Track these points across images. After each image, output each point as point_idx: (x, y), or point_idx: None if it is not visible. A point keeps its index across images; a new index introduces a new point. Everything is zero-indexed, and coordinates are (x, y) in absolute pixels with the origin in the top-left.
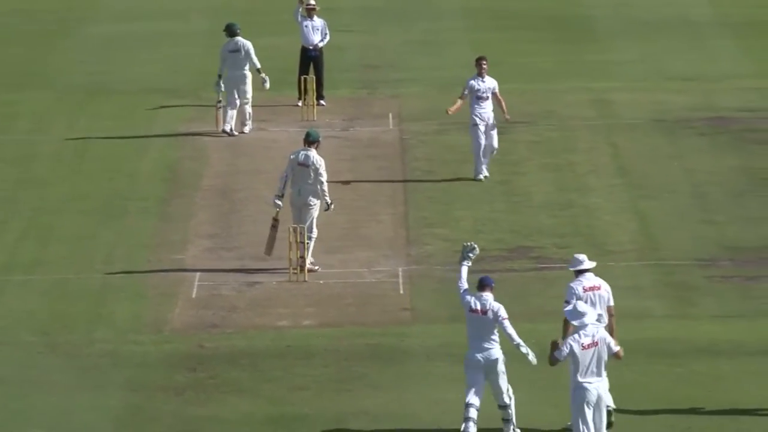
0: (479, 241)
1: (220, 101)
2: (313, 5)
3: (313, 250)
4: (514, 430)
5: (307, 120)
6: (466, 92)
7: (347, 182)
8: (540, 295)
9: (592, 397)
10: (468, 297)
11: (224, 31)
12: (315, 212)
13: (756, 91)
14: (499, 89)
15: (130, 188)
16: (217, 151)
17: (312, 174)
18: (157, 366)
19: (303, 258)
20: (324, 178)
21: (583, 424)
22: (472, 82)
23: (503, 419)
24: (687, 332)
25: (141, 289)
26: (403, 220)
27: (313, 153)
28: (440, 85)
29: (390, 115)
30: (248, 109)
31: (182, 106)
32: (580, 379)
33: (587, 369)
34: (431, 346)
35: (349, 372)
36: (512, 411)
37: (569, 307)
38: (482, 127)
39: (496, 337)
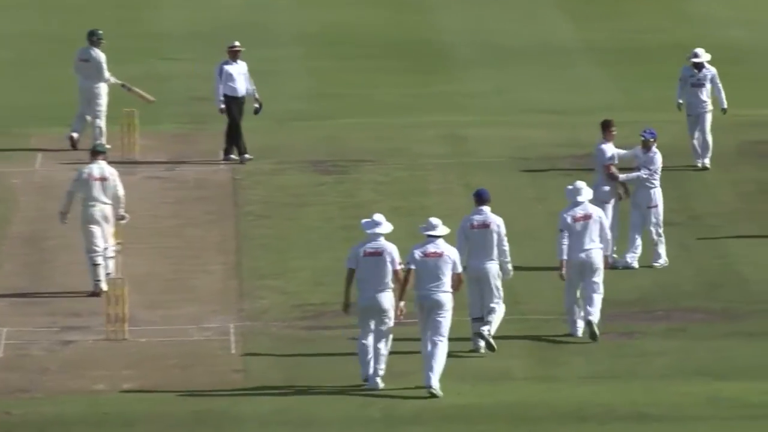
0: (319, 295)
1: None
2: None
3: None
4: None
5: (128, 157)
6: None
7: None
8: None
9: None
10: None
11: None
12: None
13: (628, 125)
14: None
15: None
16: (25, 194)
17: (110, 186)
18: None
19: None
20: (120, 189)
21: None
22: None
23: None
24: (552, 395)
25: None
26: (234, 270)
27: (104, 164)
28: (278, 119)
29: (221, 153)
30: (99, 123)
31: None
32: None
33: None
34: (265, 413)
35: None
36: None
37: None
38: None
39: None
